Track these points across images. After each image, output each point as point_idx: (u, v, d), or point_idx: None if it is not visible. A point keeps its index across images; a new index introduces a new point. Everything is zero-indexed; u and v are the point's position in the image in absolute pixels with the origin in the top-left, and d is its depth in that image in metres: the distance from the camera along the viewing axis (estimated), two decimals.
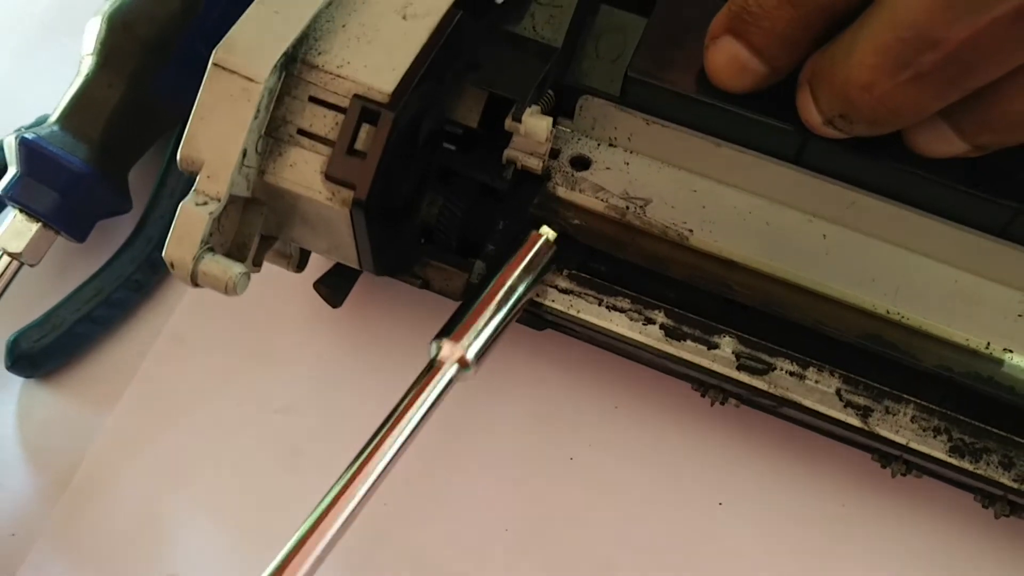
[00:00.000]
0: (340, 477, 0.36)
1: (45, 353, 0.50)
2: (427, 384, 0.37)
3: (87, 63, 0.50)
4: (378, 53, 0.37)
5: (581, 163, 0.42)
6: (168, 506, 0.47)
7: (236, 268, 0.36)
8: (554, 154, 0.42)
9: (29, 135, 0.48)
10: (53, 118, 0.49)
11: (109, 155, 0.49)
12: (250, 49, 0.35)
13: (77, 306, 0.51)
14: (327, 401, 0.49)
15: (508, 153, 0.41)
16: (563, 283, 0.41)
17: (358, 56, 0.37)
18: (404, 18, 0.37)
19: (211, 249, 0.36)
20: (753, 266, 0.40)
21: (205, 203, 0.35)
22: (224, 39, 0.36)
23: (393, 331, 0.50)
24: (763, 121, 0.39)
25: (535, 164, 0.41)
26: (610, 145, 0.43)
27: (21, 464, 0.49)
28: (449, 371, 0.37)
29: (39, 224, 0.48)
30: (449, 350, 0.38)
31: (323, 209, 0.37)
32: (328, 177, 0.36)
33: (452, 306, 0.42)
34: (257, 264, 0.40)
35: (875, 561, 0.44)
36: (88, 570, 0.46)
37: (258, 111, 0.35)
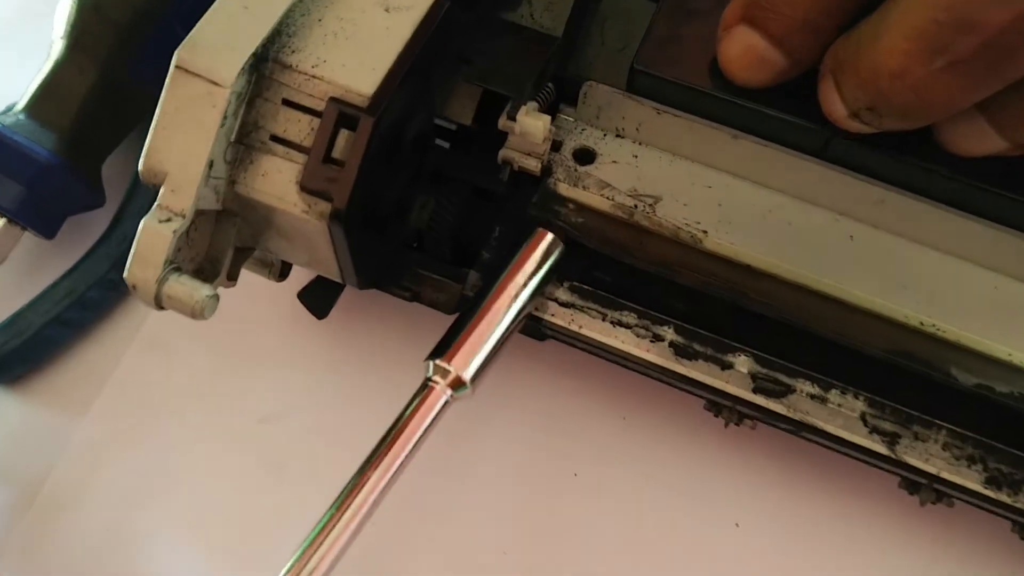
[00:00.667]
0: (330, 507, 0.36)
1: (12, 358, 0.49)
2: (419, 408, 0.37)
3: (57, 47, 0.48)
4: (358, 50, 0.35)
5: (585, 156, 0.40)
6: (142, 522, 0.47)
7: (203, 291, 0.34)
8: (556, 146, 0.40)
9: None
10: (20, 106, 0.48)
11: (80, 145, 0.48)
12: (215, 49, 0.33)
13: (46, 307, 0.50)
14: (312, 411, 0.48)
15: (504, 153, 0.39)
16: (564, 296, 0.40)
17: (335, 54, 0.35)
18: (387, 10, 0.35)
19: (177, 269, 0.34)
20: (773, 271, 0.39)
21: (169, 220, 0.33)
22: (187, 38, 0.34)
23: (383, 339, 0.49)
24: (782, 118, 0.38)
25: (533, 165, 0.39)
26: (617, 136, 0.41)
27: None
28: (444, 394, 0.37)
29: (3, 220, 0.47)
30: (444, 371, 0.37)
31: (299, 222, 0.35)
32: (303, 188, 0.34)
33: (445, 316, 0.40)
34: (232, 278, 0.38)
35: None
36: None
37: (225, 118, 0.33)
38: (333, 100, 0.34)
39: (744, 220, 0.39)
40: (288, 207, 0.35)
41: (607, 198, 0.39)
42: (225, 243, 0.37)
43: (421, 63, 0.35)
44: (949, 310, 0.38)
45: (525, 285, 0.38)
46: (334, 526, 0.35)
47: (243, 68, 0.33)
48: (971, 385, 0.37)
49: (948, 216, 0.38)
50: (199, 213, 0.34)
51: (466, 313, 0.38)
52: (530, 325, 0.40)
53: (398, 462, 0.36)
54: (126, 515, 0.47)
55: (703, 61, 0.38)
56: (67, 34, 0.48)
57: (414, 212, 0.40)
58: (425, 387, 0.37)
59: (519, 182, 0.40)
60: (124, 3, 0.49)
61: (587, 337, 0.39)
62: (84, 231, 0.52)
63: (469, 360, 0.37)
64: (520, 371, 0.47)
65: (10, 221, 0.47)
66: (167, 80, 0.34)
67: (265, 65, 0.35)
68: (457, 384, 0.37)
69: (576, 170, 0.40)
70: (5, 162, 0.46)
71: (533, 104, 0.39)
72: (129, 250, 0.48)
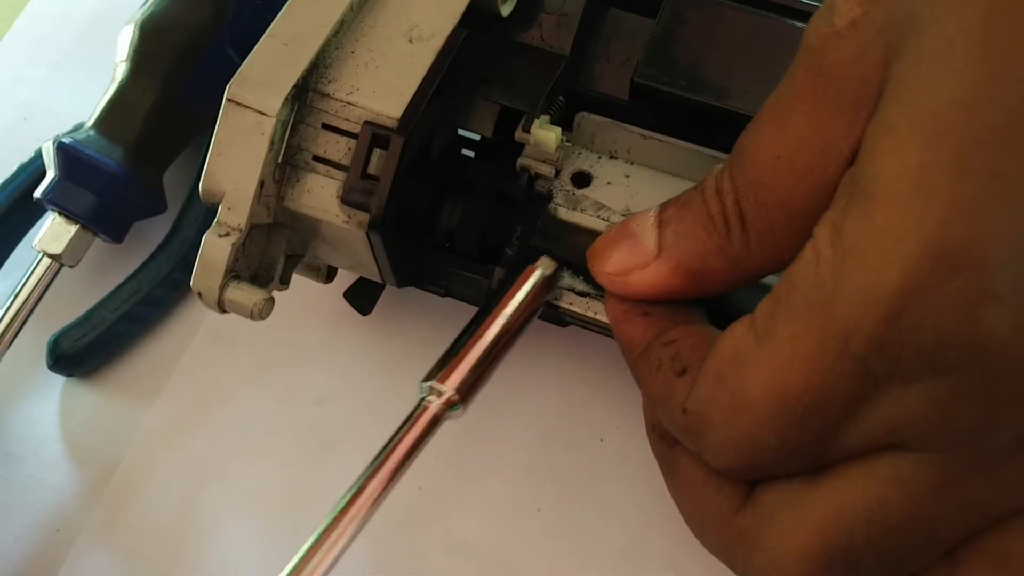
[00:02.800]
0: (331, 511, 0.37)
1: (85, 352, 0.54)
2: (415, 424, 0.39)
3: (121, 69, 0.54)
4: (386, 78, 0.40)
5: (583, 179, 0.45)
6: (208, 498, 0.52)
7: (260, 295, 0.40)
8: (556, 173, 0.45)
9: (66, 139, 0.52)
10: (89, 123, 0.53)
11: (144, 157, 0.53)
12: (261, 83, 0.39)
13: (116, 305, 0.55)
14: (359, 396, 0.53)
15: (521, 161, 0.44)
16: (581, 287, 0.44)
17: (367, 82, 0.40)
18: (410, 41, 0.41)
19: (236, 276, 0.40)
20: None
21: (227, 234, 0.39)
22: (237, 74, 0.39)
23: (420, 330, 0.54)
24: None
25: (548, 171, 0.44)
26: (611, 158, 0.45)
27: (64, 461, 0.54)
28: (436, 412, 0.39)
29: (78, 226, 0.52)
30: (438, 392, 0.39)
31: (341, 231, 0.41)
32: (344, 201, 0.40)
33: (474, 309, 0.45)
34: (284, 282, 0.44)
35: None
36: (130, 565, 0.51)
37: (272, 143, 0.39)
38: (367, 123, 0.40)
39: None
40: (331, 218, 0.40)
41: (603, 219, 0.43)
42: (277, 252, 0.42)
43: (442, 86, 0.40)
44: None
45: (515, 314, 0.41)
46: (335, 528, 0.37)
47: (286, 98, 0.39)
48: None
49: None
50: (253, 227, 0.40)
51: (460, 338, 0.41)
52: (552, 313, 0.45)
53: (394, 474, 0.38)
54: (192, 492, 0.52)
55: (695, 73, 0.43)
56: (130, 58, 0.53)
57: (444, 217, 0.45)
58: (420, 406, 0.39)
59: (536, 186, 0.45)
60: (182, 28, 0.54)
61: (603, 323, 0.43)
62: (147, 235, 0.57)
63: (462, 382, 0.39)
64: (547, 352, 0.52)
65: (83, 227, 0.52)
66: (221, 112, 0.39)
67: (306, 95, 0.40)
68: (450, 404, 0.39)
69: (574, 193, 0.44)
70: (79, 174, 0.51)
71: (546, 117, 0.44)
72: (189, 252, 0.54)
